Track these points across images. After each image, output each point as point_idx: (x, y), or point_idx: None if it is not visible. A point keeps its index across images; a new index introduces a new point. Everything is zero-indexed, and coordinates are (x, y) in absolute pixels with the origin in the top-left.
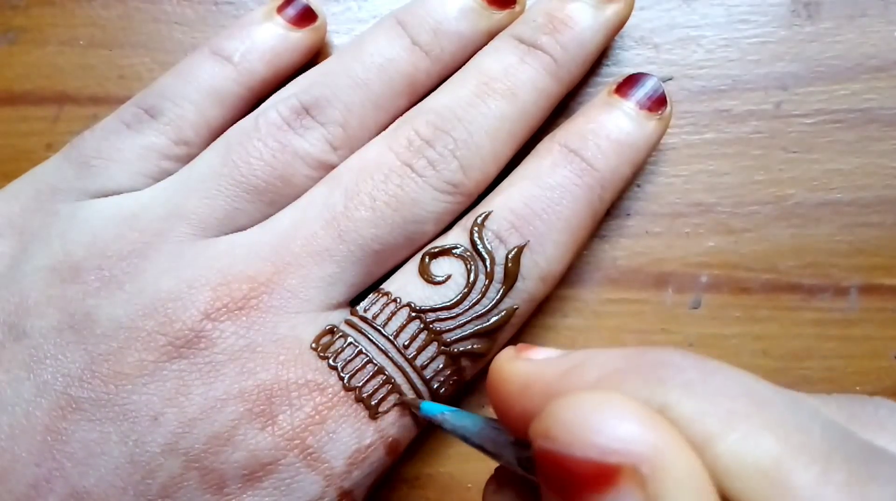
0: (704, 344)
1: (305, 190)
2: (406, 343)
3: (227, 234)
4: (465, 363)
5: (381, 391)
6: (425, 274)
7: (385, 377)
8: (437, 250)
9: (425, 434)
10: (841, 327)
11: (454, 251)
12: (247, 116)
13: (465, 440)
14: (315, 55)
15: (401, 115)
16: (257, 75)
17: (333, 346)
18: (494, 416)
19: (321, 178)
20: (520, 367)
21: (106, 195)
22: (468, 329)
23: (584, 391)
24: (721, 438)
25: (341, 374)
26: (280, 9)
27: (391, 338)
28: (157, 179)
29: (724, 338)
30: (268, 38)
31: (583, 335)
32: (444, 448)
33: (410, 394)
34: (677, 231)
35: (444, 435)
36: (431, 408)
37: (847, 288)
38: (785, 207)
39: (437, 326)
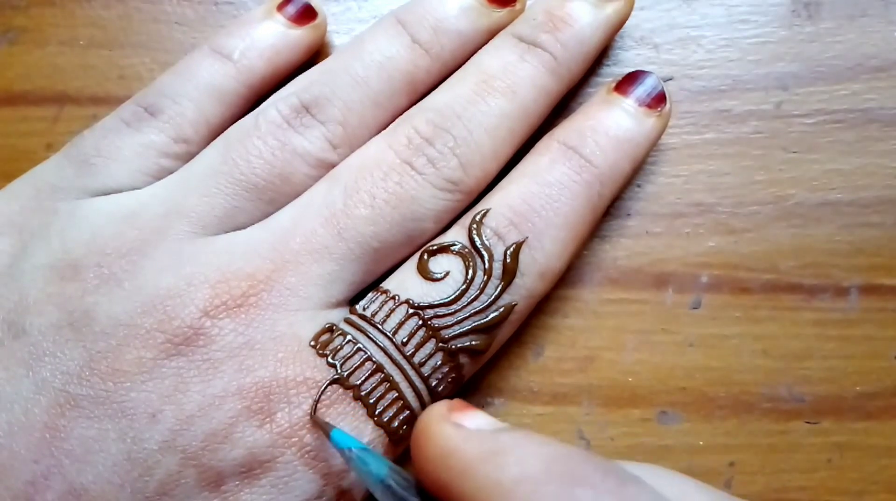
0: (704, 344)
1: (305, 188)
2: (404, 340)
3: (226, 232)
4: (463, 359)
5: (379, 388)
6: (424, 271)
7: (383, 375)
8: (435, 247)
9: None
10: (841, 327)
11: (453, 248)
12: (247, 115)
13: (367, 483)
14: (315, 54)
15: (401, 113)
16: (257, 73)
17: (332, 344)
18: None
19: (321, 176)
20: (445, 432)
21: (106, 194)
22: (466, 326)
23: None
24: None
25: (340, 372)
26: (280, 7)
27: (389, 335)
28: (157, 178)
29: (724, 338)
30: (268, 35)
31: (583, 335)
32: None
33: (409, 392)
34: (677, 231)
35: None
36: (341, 440)
37: (847, 288)
38: (785, 207)
39: (436, 322)
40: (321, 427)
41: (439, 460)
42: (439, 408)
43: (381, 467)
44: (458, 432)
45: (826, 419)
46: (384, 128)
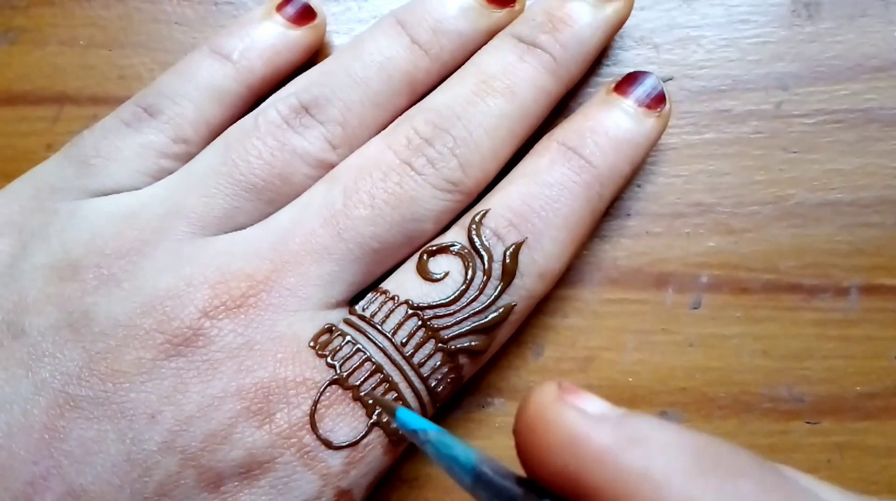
0: (705, 344)
1: (305, 189)
2: (404, 340)
3: (226, 232)
4: (462, 360)
5: (378, 389)
6: (423, 272)
7: (383, 376)
8: (435, 247)
9: None
10: (841, 327)
11: (452, 249)
12: (246, 115)
13: (450, 471)
14: (315, 54)
15: (400, 114)
16: (257, 73)
17: (331, 344)
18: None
19: (320, 177)
20: (568, 418)
21: (105, 194)
22: (466, 326)
23: None
24: None
25: (339, 372)
26: (279, 7)
27: (389, 336)
28: (157, 178)
29: (725, 338)
30: (267, 36)
31: (583, 336)
32: None
33: (408, 392)
34: (677, 231)
35: None
36: (411, 420)
37: (847, 288)
38: (785, 207)
39: (435, 323)
40: (383, 405)
41: (564, 448)
42: (551, 391)
43: (468, 452)
44: (581, 419)
45: (826, 420)
46: (384, 128)
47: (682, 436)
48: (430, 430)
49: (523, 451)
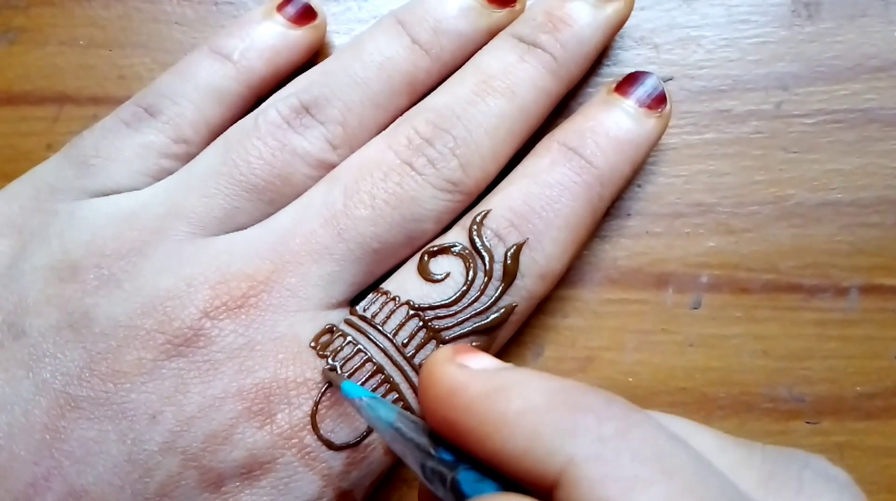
0: (705, 344)
1: (305, 189)
2: (405, 341)
3: (226, 233)
4: None
5: (379, 389)
6: (424, 272)
7: (384, 376)
8: (436, 248)
9: None
10: (841, 327)
11: (453, 250)
12: (246, 115)
13: (378, 429)
14: (315, 54)
15: (401, 114)
16: (257, 74)
17: (332, 344)
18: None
19: (321, 177)
20: (450, 372)
21: (105, 194)
22: (467, 327)
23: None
24: None
25: (340, 373)
26: (280, 7)
27: (390, 336)
28: (157, 178)
29: (725, 338)
30: (267, 36)
31: (583, 335)
32: None
33: (409, 393)
34: (677, 231)
35: None
36: (351, 390)
37: (847, 288)
38: (785, 207)
39: (436, 323)
40: (331, 380)
41: (444, 398)
42: (444, 351)
43: (390, 412)
44: (462, 371)
45: (826, 420)
46: (384, 128)
47: (544, 381)
48: (365, 396)
49: (421, 405)
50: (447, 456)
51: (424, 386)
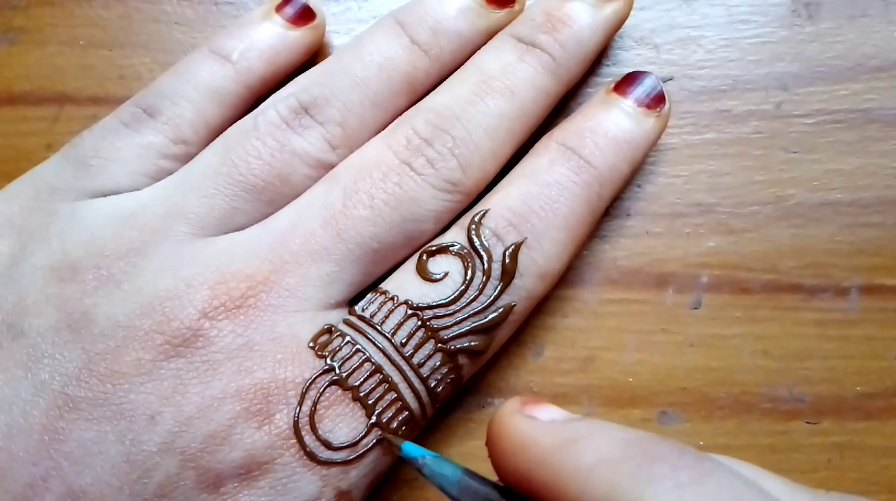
0: (705, 344)
1: (304, 189)
2: (403, 341)
3: (225, 233)
4: (462, 360)
5: (378, 389)
6: (423, 272)
7: (382, 376)
8: (434, 248)
9: (425, 435)
10: (841, 327)
11: (452, 249)
12: (246, 116)
13: (443, 490)
14: (314, 55)
15: (400, 114)
16: (256, 74)
17: (331, 345)
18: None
19: (320, 177)
20: (520, 424)
21: (105, 195)
22: (465, 326)
23: None
24: None
25: (339, 373)
26: (279, 8)
27: (388, 336)
28: (156, 179)
29: (725, 338)
30: (267, 37)
31: (583, 336)
32: (445, 449)
33: (408, 393)
34: (678, 231)
35: (444, 436)
36: (412, 450)
37: (847, 288)
38: (785, 207)
39: (435, 323)
40: (391, 443)
41: (516, 452)
42: (512, 404)
43: (455, 470)
44: (532, 423)
45: (826, 420)
46: (383, 129)
47: (615, 432)
48: (427, 455)
49: (491, 458)
50: None
51: (494, 440)
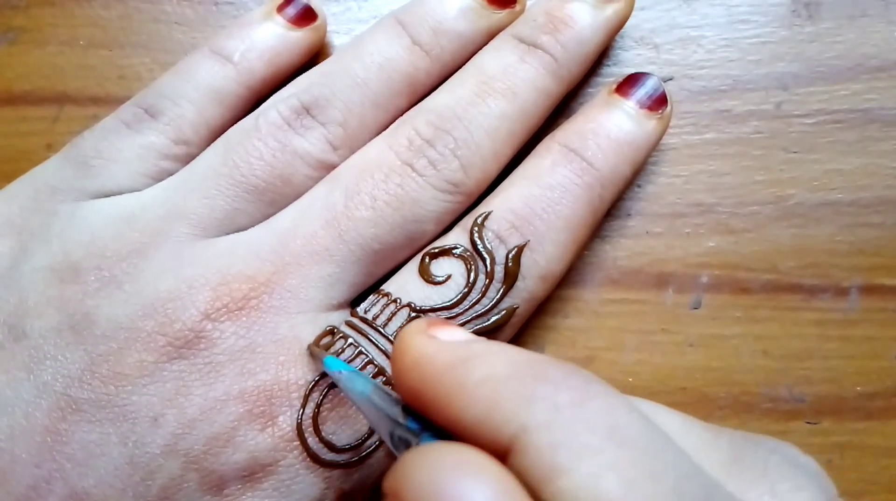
0: (705, 344)
1: (306, 190)
2: None
3: (227, 234)
4: None
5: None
6: (425, 274)
7: (385, 379)
8: (436, 250)
9: None
10: (841, 327)
11: (454, 251)
12: (247, 116)
13: (355, 401)
14: (315, 55)
15: (401, 114)
16: (257, 75)
17: (334, 347)
18: None
19: (321, 178)
20: (419, 342)
21: (105, 195)
22: (468, 329)
23: (438, 450)
24: (566, 473)
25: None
26: (280, 8)
27: (391, 338)
28: (157, 179)
29: (725, 338)
30: (267, 37)
31: (583, 336)
32: None
33: None
34: (678, 231)
35: None
36: (332, 364)
37: (847, 288)
38: (785, 207)
39: None
40: (315, 356)
41: (412, 369)
42: (418, 323)
43: (366, 385)
44: (431, 342)
45: (826, 420)
46: (384, 129)
47: (510, 353)
48: (344, 370)
49: (393, 377)
50: (413, 425)
51: (395, 357)
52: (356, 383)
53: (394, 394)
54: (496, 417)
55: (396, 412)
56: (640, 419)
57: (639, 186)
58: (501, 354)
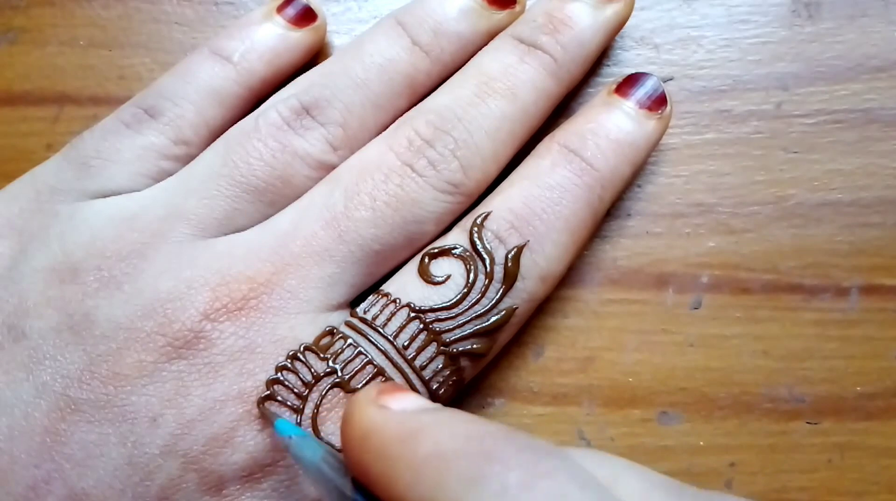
0: (705, 345)
1: (305, 190)
2: (406, 344)
3: (226, 234)
4: (464, 363)
5: None
6: (425, 274)
7: (384, 379)
8: (436, 250)
9: None
10: (841, 327)
11: (454, 252)
12: (247, 117)
13: (303, 469)
14: (315, 55)
15: (401, 115)
16: (257, 75)
17: (333, 347)
18: None
19: (321, 178)
20: (368, 413)
21: (105, 196)
22: (468, 329)
23: None
24: None
25: (341, 375)
26: (280, 8)
27: (391, 339)
28: (157, 180)
29: (725, 338)
30: (267, 37)
31: (583, 336)
32: None
33: None
34: (678, 232)
35: None
36: (284, 428)
37: (848, 288)
38: (786, 207)
39: (437, 326)
40: (266, 417)
41: (360, 442)
42: (368, 391)
43: (315, 451)
44: (380, 413)
45: (826, 420)
46: (384, 130)
47: (461, 425)
48: (294, 435)
49: (342, 448)
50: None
51: (343, 428)
52: (305, 450)
53: (342, 464)
54: (442, 499)
55: (345, 484)
56: (594, 496)
57: (639, 187)
58: (451, 426)
